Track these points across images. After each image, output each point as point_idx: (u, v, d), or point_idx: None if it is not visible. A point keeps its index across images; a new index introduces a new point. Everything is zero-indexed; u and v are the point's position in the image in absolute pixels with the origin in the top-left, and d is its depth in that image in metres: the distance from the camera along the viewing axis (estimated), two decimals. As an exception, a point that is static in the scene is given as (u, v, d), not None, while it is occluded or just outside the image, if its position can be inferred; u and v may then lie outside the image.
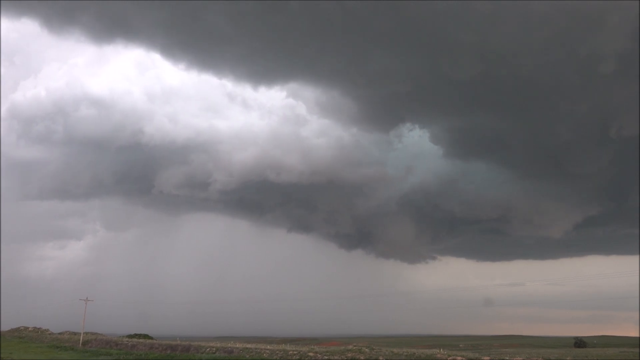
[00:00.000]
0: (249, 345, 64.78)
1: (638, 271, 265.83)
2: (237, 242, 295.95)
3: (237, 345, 65.24)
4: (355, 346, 48.97)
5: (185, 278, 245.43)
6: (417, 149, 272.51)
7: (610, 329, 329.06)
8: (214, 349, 64.33)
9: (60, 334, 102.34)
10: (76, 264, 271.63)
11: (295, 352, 53.35)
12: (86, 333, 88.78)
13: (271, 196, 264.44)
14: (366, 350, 46.43)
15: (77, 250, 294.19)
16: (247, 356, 55.75)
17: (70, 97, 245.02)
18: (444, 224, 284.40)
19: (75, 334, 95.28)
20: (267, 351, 57.07)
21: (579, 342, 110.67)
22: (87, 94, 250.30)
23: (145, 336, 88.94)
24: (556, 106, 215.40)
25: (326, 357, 48.82)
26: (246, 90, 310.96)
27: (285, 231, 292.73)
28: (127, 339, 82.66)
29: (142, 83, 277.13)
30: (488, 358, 44.98)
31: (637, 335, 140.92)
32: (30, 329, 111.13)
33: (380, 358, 44.73)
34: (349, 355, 46.63)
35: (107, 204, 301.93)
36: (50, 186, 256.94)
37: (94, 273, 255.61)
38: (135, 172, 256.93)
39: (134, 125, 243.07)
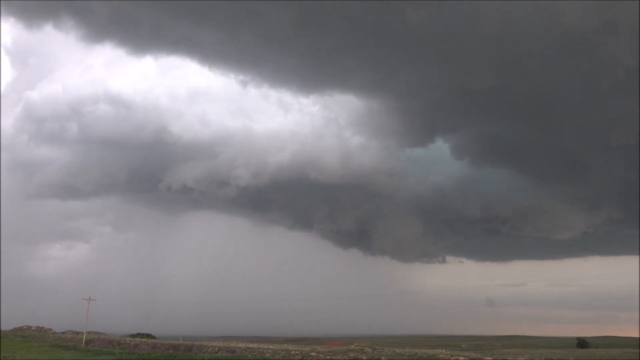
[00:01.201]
0: (251, 345, 64.81)
1: (639, 271, 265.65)
2: (253, 242, 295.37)
3: (240, 345, 65.23)
4: (357, 346, 48.92)
5: (188, 277, 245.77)
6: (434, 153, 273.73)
7: (613, 330, 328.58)
8: (217, 348, 64.31)
9: (63, 333, 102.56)
10: (80, 264, 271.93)
11: (297, 352, 53.26)
12: (89, 332, 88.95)
13: (284, 195, 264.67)
14: (368, 350, 46.37)
15: (81, 250, 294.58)
16: (250, 356, 55.74)
17: (89, 95, 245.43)
18: (451, 225, 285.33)
19: (78, 333, 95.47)
20: (270, 351, 57.04)
21: (582, 343, 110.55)
22: (107, 92, 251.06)
23: (148, 336, 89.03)
24: (567, 115, 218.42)
25: (328, 357, 48.77)
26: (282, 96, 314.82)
27: (287, 230, 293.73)
28: (129, 339, 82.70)
29: (167, 84, 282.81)
30: (491, 358, 44.89)
31: (638, 335, 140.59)
32: (33, 328, 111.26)
33: (383, 358, 44.67)
34: (351, 355, 46.58)
35: (114, 204, 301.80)
36: (57, 185, 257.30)
37: (98, 272, 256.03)
38: (146, 172, 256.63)
39: (153, 124, 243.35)
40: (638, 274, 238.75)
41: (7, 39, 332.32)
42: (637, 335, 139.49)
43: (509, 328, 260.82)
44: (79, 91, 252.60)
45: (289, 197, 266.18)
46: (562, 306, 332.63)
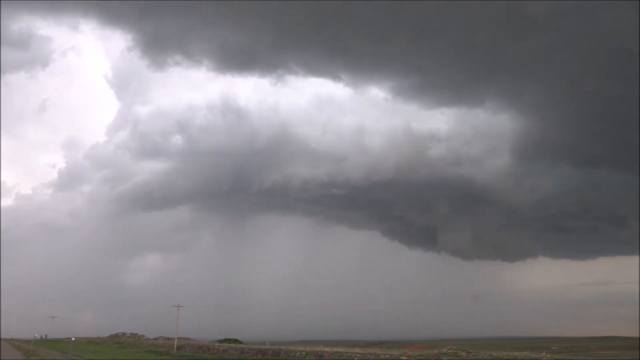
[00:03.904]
0: (338, 349, 64.83)
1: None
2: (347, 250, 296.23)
3: (326, 349, 65.45)
4: (450, 349, 47.78)
5: (272, 282, 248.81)
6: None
7: None
8: (304, 353, 64.76)
9: (155, 339, 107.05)
10: (168, 273, 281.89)
11: (387, 356, 52.76)
12: (179, 338, 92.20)
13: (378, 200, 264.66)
14: (463, 353, 45.15)
15: (171, 260, 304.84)
16: (339, 360, 55.74)
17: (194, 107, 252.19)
18: (542, 225, 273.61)
19: (169, 339, 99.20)
20: (358, 355, 56.78)
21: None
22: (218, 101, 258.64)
23: (236, 341, 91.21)
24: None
25: (420, 361, 47.98)
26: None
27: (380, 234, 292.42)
28: (218, 344, 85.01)
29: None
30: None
31: None
32: (127, 334, 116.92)
33: (479, 362, 43.38)
34: (445, 358, 45.55)
35: (199, 212, 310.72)
36: (148, 198, 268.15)
37: (184, 281, 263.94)
38: (241, 178, 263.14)
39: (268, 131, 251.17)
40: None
41: (107, 72, 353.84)
42: None
43: (602, 329, 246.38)
44: (187, 102, 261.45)
45: (389, 200, 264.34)
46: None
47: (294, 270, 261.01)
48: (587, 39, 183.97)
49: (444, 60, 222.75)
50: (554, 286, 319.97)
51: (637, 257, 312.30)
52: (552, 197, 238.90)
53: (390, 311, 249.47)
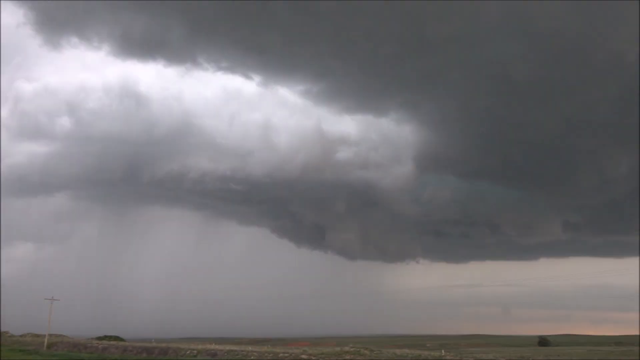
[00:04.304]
0: (231, 347, 62.88)
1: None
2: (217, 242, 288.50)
3: (219, 347, 63.23)
4: (352, 347, 48.04)
5: (156, 277, 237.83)
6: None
7: (567, 328, 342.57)
8: (195, 351, 61.92)
9: (21, 336, 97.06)
10: (39, 264, 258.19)
11: (286, 355, 51.92)
12: (51, 335, 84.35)
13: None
14: (366, 352, 45.56)
15: (44, 250, 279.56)
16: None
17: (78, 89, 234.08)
18: (422, 229, 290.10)
19: (38, 336, 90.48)
20: (255, 353, 55.31)
21: (543, 341, 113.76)
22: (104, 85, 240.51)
23: (117, 338, 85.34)
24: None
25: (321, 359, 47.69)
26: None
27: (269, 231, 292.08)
28: (96, 342, 78.92)
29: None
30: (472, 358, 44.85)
31: (595, 334, 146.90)
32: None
33: (381, 360, 43.99)
34: (348, 357, 45.67)
35: (77, 201, 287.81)
36: (21, 183, 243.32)
37: (59, 273, 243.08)
38: (125, 167, 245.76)
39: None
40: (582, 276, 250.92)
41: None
42: (593, 333, 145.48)
43: (470, 327, 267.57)
44: (80, 83, 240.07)
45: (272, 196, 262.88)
46: (520, 306, 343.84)
47: (179, 265, 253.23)
48: (477, 63, 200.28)
49: (352, 69, 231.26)
50: (430, 287, 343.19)
51: (503, 262, 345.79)
52: (438, 204, 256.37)
53: (274, 308, 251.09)
